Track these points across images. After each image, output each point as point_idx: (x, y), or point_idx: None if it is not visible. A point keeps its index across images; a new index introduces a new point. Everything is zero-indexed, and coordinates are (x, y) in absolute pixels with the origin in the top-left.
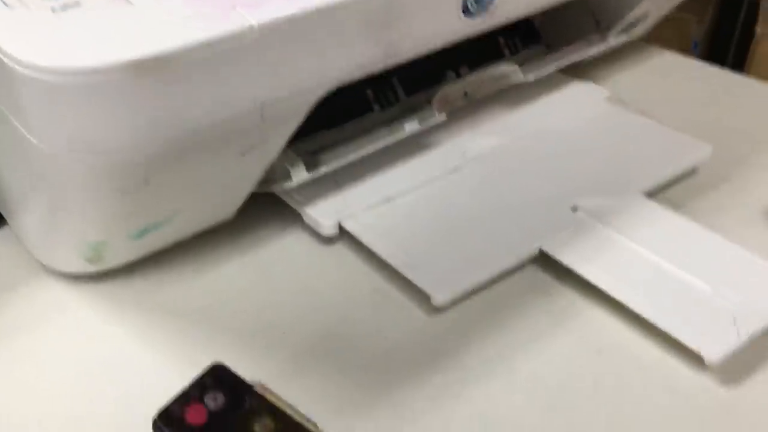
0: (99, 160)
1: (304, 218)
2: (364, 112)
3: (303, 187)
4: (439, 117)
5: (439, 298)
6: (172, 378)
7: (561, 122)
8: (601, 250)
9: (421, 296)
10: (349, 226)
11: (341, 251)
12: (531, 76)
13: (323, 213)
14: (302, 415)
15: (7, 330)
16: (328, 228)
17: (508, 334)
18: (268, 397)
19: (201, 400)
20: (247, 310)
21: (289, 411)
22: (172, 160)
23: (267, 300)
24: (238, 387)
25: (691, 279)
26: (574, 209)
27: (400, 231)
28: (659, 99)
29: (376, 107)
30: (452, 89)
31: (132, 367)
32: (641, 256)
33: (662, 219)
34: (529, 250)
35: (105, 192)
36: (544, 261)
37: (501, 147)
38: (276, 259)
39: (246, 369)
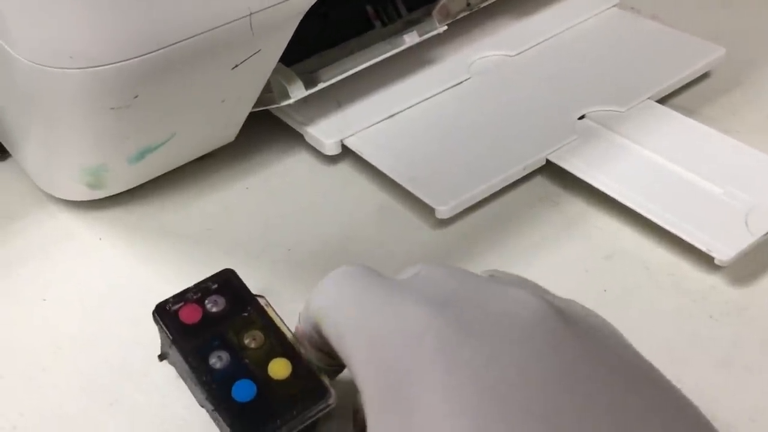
0: (84, 73)
1: (306, 138)
2: (365, 31)
3: (304, 107)
4: (440, 28)
5: (443, 210)
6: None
7: (568, 30)
8: (609, 157)
9: (426, 210)
10: (352, 144)
11: (344, 170)
12: None
13: (325, 132)
14: (296, 339)
15: (17, 257)
16: (330, 147)
17: (515, 244)
18: (268, 311)
19: (200, 301)
20: (251, 230)
21: (284, 330)
22: (160, 73)
23: (271, 220)
24: (242, 295)
25: (702, 181)
26: (582, 117)
27: (404, 147)
28: (671, 3)
29: (377, 24)
30: None
31: (141, 289)
32: (650, 160)
33: (672, 123)
34: (536, 159)
35: (94, 109)
36: (551, 170)
37: (506, 58)
38: (279, 180)
39: (251, 286)
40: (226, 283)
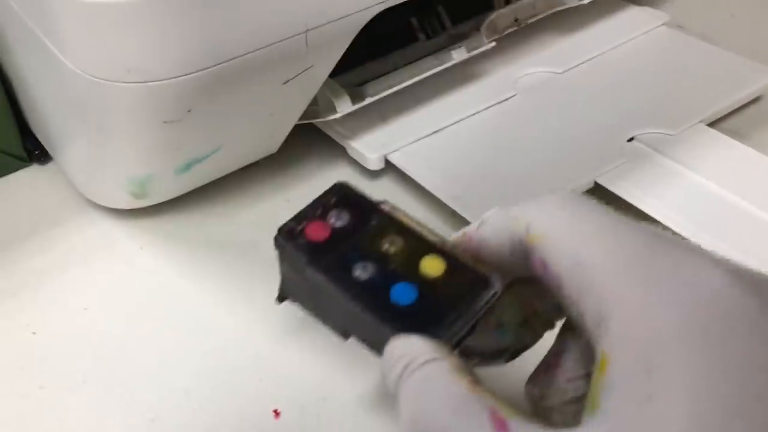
0: (139, 88)
1: (349, 152)
2: (409, 43)
3: (348, 120)
4: (488, 44)
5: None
6: (220, 310)
7: (616, 49)
8: (658, 181)
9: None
10: (395, 160)
11: (387, 185)
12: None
13: (368, 146)
14: (432, 231)
15: (58, 265)
16: (373, 161)
17: None
18: (397, 215)
19: (323, 218)
20: None
21: (418, 228)
22: (215, 88)
23: None
24: (363, 204)
25: (755, 210)
26: (631, 140)
27: (448, 163)
28: (720, 23)
29: (422, 37)
30: (502, 15)
31: (180, 300)
32: (701, 186)
33: (724, 148)
34: (584, 182)
35: (147, 122)
36: (600, 193)
37: (553, 75)
38: (320, 192)
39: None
40: (343, 195)
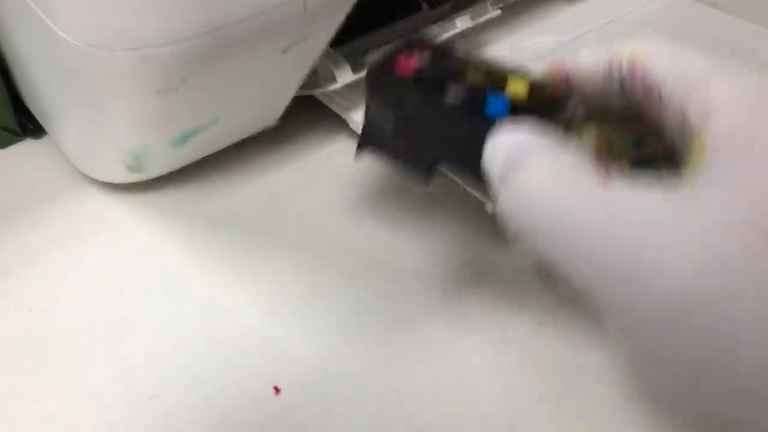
0: (131, 55)
1: (350, 124)
2: (412, 11)
3: (349, 91)
4: (493, 12)
5: (490, 205)
6: (219, 286)
7: (624, 17)
8: None
9: (477, 203)
10: None
11: None
12: None
13: None
14: (507, 65)
15: (53, 241)
16: None
17: None
18: (474, 52)
19: (408, 55)
20: (293, 218)
21: (496, 61)
22: (210, 56)
23: (313, 208)
24: (439, 45)
25: None
26: None
27: None
28: None
29: (425, 5)
30: None
31: (178, 277)
32: None
33: None
34: None
35: (140, 92)
36: None
37: (559, 44)
38: (322, 167)
39: (289, 277)
40: (421, 42)
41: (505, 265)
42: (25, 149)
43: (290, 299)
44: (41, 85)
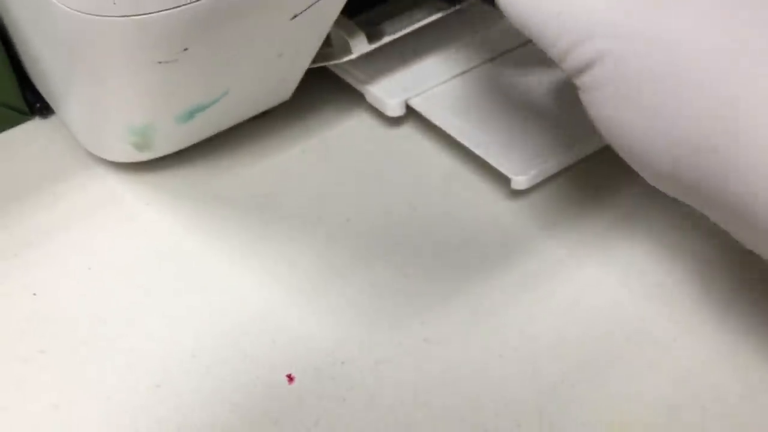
0: (127, 22)
1: (367, 98)
2: None
3: (365, 63)
4: None
5: (520, 180)
6: (230, 269)
7: None
8: None
9: (499, 179)
10: (417, 105)
11: (409, 133)
12: None
13: (388, 91)
14: None
15: (60, 222)
16: (393, 107)
17: (599, 219)
18: None
19: None
20: (307, 197)
21: None
22: (212, 22)
23: (328, 187)
24: None
25: None
26: None
27: (475, 108)
28: None
29: None
30: None
31: (188, 259)
32: None
33: None
34: None
35: (140, 63)
36: None
37: None
38: (337, 143)
39: (305, 258)
40: None
41: (532, 247)
42: (32, 129)
43: (304, 282)
44: (44, 59)
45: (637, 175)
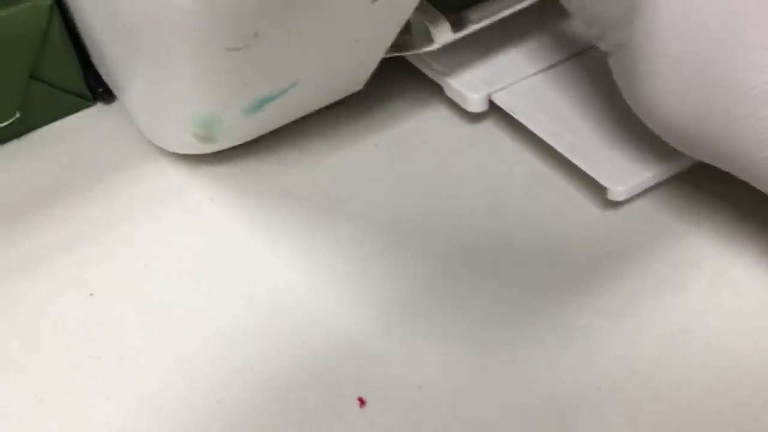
0: (197, 6)
1: (446, 91)
2: None
3: (445, 53)
4: None
5: (618, 191)
6: (296, 274)
7: None
8: None
9: (590, 185)
10: (501, 100)
11: (491, 130)
12: None
13: (469, 85)
14: None
15: (119, 216)
16: (474, 102)
17: (704, 234)
18: None
19: None
20: (379, 198)
21: None
22: (287, 6)
23: (402, 186)
24: None
25: None
26: None
27: (565, 106)
28: None
29: None
30: None
31: (252, 261)
32: None
33: None
34: None
35: (207, 49)
36: None
37: None
38: (412, 138)
39: (378, 267)
40: None
41: (630, 264)
42: (94, 115)
43: (379, 295)
44: (106, 43)
45: (741, 191)
